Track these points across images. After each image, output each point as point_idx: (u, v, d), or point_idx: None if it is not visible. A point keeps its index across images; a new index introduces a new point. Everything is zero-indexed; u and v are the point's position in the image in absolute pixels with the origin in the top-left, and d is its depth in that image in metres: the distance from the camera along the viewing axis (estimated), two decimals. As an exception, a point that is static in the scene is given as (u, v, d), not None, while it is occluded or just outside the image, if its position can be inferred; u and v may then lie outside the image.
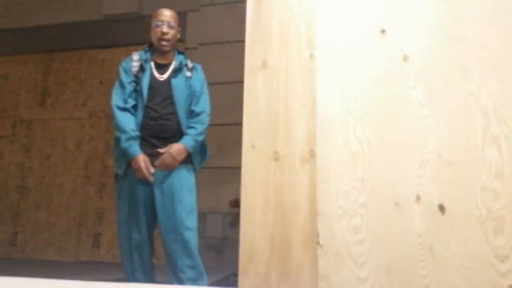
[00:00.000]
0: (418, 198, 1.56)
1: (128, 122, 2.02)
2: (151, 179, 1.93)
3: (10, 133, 4.66)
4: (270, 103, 1.90)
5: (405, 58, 1.68)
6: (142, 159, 1.96)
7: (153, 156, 2.02)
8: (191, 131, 2.05)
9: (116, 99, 2.09)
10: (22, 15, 4.71)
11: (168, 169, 1.98)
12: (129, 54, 4.50)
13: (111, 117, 2.10)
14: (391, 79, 1.69)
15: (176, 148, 1.99)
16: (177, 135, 2.07)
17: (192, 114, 2.12)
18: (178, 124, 2.06)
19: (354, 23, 1.79)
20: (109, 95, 4.37)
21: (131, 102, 2.08)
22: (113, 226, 4.12)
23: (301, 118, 1.81)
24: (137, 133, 2.02)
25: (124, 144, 1.98)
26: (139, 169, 1.94)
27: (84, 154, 4.37)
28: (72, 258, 4.15)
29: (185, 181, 2.03)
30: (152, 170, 1.94)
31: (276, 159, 1.82)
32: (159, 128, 2.03)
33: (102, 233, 4.16)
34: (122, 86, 2.10)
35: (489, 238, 1.46)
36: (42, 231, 4.30)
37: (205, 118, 2.12)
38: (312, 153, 1.75)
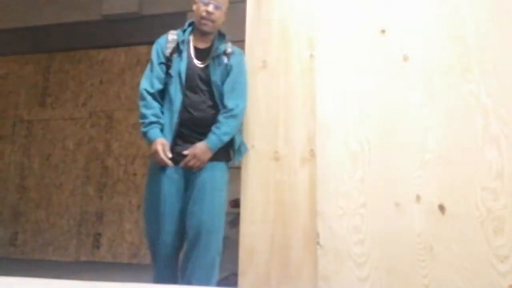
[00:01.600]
0: (418, 198, 1.55)
1: (150, 108, 1.94)
2: (169, 163, 1.86)
3: (10, 133, 4.66)
4: (270, 103, 1.89)
5: (405, 58, 1.68)
6: (159, 142, 1.86)
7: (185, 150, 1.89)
8: (216, 130, 1.88)
9: (144, 82, 1.99)
10: (22, 15, 4.72)
11: (194, 169, 1.89)
12: (129, 54, 4.51)
13: (139, 98, 2.00)
14: (391, 79, 1.68)
15: (200, 149, 1.85)
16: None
17: (224, 109, 1.93)
18: (215, 116, 1.91)
19: (354, 23, 1.79)
20: (109, 95, 4.37)
21: (157, 86, 1.95)
22: (113, 226, 4.12)
23: (301, 118, 1.80)
24: (158, 119, 1.94)
25: (143, 129, 1.91)
26: (155, 152, 1.86)
27: (84, 154, 4.36)
28: (72, 258, 4.15)
29: (218, 180, 1.93)
30: (170, 154, 1.87)
31: (276, 159, 1.82)
32: (195, 120, 1.90)
33: (102, 233, 4.15)
34: (152, 67, 2.00)
35: (489, 238, 1.45)
36: (42, 231, 4.30)
37: (237, 115, 1.92)
38: (312, 153, 1.75)
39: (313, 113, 1.78)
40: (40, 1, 4.69)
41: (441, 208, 1.52)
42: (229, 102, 1.92)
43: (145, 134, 1.91)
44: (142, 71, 4.59)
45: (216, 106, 1.92)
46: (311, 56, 1.83)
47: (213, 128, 1.88)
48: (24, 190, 4.50)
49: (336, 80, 1.77)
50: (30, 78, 4.76)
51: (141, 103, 1.95)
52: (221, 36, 2.02)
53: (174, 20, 3.93)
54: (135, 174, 4.12)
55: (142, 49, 4.23)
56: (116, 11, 4.37)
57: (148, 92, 1.95)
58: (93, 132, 4.41)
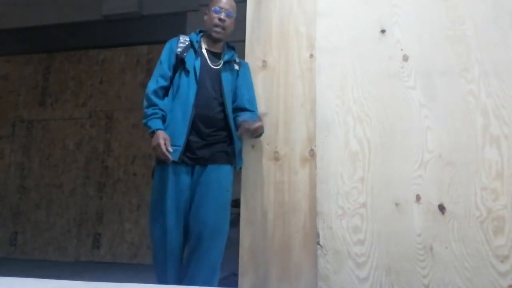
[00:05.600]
0: (418, 198, 1.56)
1: (152, 104, 1.98)
2: (170, 159, 1.86)
3: (10, 133, 4.65)
4: (270, 103, 1.90)
5: (405, 58, 1.68)
6: (161, 136, 1.89)
7: (196, 147, 1.92)
8: (252, 113, 1.97)
9: (149, 85, 2.04)
10: (22, 15, 4.71)
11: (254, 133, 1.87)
12: (129, 54, 4.51)
13: (144, 99, 2.04)
14: (391, 79, 1.69)
15: (252, 122, 1.86)
16: (223, 127, 1.99)
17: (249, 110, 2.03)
18: (225, 116, 1.99)
19: (354, 23, 1.79)
20: (109, 95, 4.37)
21: (161, 83, 2.02)
22: (113, 226, 4.12)
23: (301, 118, 1.81)
24: (161, 112, 1.97)
25: (144, 120, 1.94)
26: (157, 145, 1.87)
27: (84, 154, 4.36)
28: (72, 258, 4.15)
29: (223, 180, 1.95)
30: (171, 149, 1.88)
31: (276, 159, 1.82)
32: (207, 117, 1.94)
33: (102, 233, 4.15)
34: (158, 66, 2.06)
35: (489, 238, 1.46)
36: (42, 231, 4.29)
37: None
38: (312, 153, 1.75)
39: (313, 113, 1.78)
40: (40, 1, 4.69)
41: (441, 208, 1.52)
42: (255, 109, 2.01)
43: (146, 124, 1.93)
44: (142, 71, 4.59)
45: (225, 108, 1.94)
46: (311, 56, 1.83)
47: (248, 112, 1.97)
48: (24, 190, 4.50)
49: (336, 80, 1.77)
50: (30, 78, 4.76)
51: (144, 103, 1.98)
52: (229, 47, 2.10)
53: (174, 20, 3.93)
54: (135, 174, 4.12)
55: (142, 49, 4.23)
56: (116, 11, 4.37)
57: (152, 91, 1.99)
58: (93, 132, 4.40)
